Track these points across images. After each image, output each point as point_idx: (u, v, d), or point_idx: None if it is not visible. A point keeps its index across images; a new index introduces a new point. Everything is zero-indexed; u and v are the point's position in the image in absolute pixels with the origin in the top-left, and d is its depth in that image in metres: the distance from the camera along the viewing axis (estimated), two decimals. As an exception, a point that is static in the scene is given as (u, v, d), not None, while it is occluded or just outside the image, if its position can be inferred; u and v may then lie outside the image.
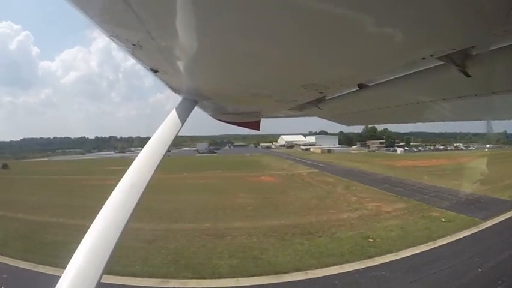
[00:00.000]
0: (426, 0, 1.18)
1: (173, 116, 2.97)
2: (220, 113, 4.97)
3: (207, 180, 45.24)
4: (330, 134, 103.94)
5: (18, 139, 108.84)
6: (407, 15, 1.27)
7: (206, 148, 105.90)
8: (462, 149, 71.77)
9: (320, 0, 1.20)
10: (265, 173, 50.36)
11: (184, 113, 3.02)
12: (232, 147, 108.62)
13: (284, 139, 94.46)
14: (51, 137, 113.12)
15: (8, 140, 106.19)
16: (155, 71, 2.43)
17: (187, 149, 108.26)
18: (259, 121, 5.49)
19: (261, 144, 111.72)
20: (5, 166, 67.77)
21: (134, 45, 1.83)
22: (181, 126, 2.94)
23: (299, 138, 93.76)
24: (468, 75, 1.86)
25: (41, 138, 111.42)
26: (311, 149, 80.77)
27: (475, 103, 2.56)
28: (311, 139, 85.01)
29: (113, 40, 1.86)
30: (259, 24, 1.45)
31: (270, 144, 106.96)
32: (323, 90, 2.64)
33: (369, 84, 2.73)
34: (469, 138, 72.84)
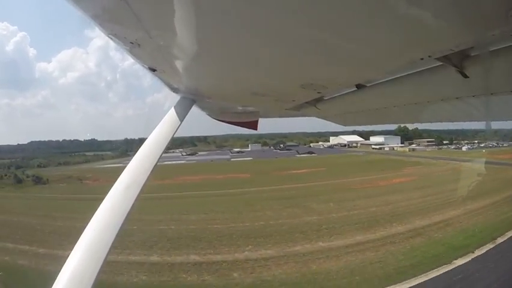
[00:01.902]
0: (425, 1, 1.18)
1: (171, 115, 2.95)
2: (218, 113, 4.97)
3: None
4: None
5: (26, 142, 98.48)
6: (406, 16, 1.27)
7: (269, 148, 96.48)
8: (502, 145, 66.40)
9: (319, 1, 1.19)
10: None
11: (182, 112, 2.99)
12: (287, 147, 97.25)
13: (345, 139, 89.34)
14: (60, 139, 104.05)
15: (15, 144, 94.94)
16: (153, 70, 2.42)
17: (238, 149, 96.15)
18: (257, 121, 5.50)
19: (311, 144, 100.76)
20: (38, 180, 52.77)
21: (132, 43, 1.82)
22: (179, 126, 2.91)
23: (358, 139, 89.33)
24: (466, 76, 1.87)
25: (49, 140, 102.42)
26: (396, 148, 76.89)
27: (472, 104, 2.56)
28: (378, 139, 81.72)
29: (111, 38, 1.86)
30: (258, 24, 1.44)
31: (321, 144, 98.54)
32: (321, 90, 2.64)
33: (367, 85, 2.72)
34: (481, 136, 67.84)
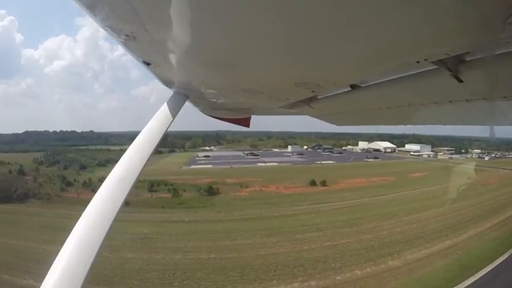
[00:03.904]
0: (423, 5, 1.18)
1: (164, 110, 2.93)
2: (211, 109, 4.94)
3: None
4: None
5: (21, 131, 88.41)
6: (402, 18, 1.28)
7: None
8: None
9: (315, 0, 1.19)
10: None
11: (175, 108, 2.98)
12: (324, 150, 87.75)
13: (381, 145, 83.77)
14: (58, 130, 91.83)
15: (11, 133, 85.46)
16: (147, 64, 2.40)
17: (277, 150, 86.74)
18: (250, 118, 5.50)
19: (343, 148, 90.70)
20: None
21: (127, 36, 1.81)
22: (172, 121, 2.90)
23: (391, 145, 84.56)
24: (460, 81, 1.89)
25: (45, 131, 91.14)
26: (430, 156, 73.61)
27: (466, 108, 2.59)
28: (414, 147, 78.36)
29: (106, 30, 1.83)
30: (253, 21, 1.44)
31: (352, 148, 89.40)
32: (315, 89, 2.64)
33: (362, 85, 2.73)
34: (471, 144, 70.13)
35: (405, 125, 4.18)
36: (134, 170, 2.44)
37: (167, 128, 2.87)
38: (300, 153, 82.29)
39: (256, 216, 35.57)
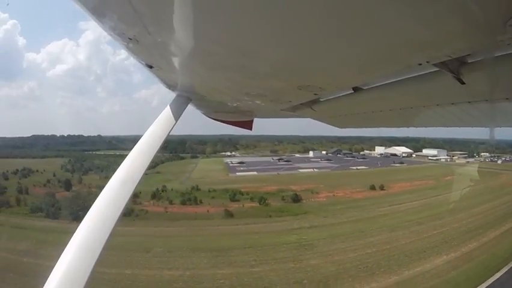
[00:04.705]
0: (425, 7, 1.19)
1: (166, 113, 2.95)
2: (213, 112, 4.98)
3: None
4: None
5: (27, 135, 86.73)
6: (404, 21, 1.29)
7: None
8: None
9: (318, 3, 1.20)
10: None
11: (177, 110, 2.99)
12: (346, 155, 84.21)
13: (399, 150, 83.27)
14: (65, 134, 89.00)
15: (17, 136, 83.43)
16: (150, 67, 2.42)
17: (299, 156, 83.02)
18: (252, 121, 5.47)
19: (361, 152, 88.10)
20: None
21: (130, 39, 1.83)
22: (175, 124, 2.92)
23: (408, 150, 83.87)
24: (463, 83, 1.87)
25: (53, 135, 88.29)
26: (447, 160, 73.64)
27: (468, 110, 2.59)
28: (431, 151, 78.06)
29: (109, 34, 1.86)
30: (257, 24, 1.45)
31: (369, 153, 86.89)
32: (318, 92, 2.63)
33: (364, 88, 2.70)
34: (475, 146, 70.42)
35: (408, 127, 4.19)
36: (136, 172, 2.44)
37: (170, 131, 2.88)
38: (328, 159, 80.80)
39: (357, 218, 38.70)
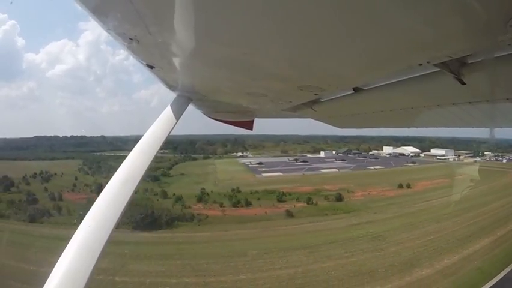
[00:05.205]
0: (425, 8, 1.19)
1: (167, 113, 2.95)
2: (214, 112, 4.98)
3: None
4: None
5: (29, 136, 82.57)
6: (405, 22, 1.30)
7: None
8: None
9: (319, 4, 1.20)
10: None
11: (178, 111, 2.99)
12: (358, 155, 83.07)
13: (408, 150, 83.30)
14: (68, 135, 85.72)
15: (19, 137, 79.32)
16: (151, 67, 2.42)
17: (310, 156, 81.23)
18: (253, 121, 5.49)
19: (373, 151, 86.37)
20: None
21: (131, 39, 1.83)
22: (176, 124, 2.91)
23: (414, 150, 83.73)
24: (463, 83, 1.86)
25: (55, 136, 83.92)
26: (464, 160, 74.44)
27: (469, 110, 2.59)
28: (439, 151, 78.53)
29: (110, 34, 1.87)
30: (257, 24, 1.45)
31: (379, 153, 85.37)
32: (318, 92, 2.64)
33: (365, 88, 2.70)
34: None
35: (409, 127, 4.17)
36: (137, 172, 2.43)
37: (171, 131, 2.87)
38: (342, 159, 79.36)
39: (401, 213, 41.64)
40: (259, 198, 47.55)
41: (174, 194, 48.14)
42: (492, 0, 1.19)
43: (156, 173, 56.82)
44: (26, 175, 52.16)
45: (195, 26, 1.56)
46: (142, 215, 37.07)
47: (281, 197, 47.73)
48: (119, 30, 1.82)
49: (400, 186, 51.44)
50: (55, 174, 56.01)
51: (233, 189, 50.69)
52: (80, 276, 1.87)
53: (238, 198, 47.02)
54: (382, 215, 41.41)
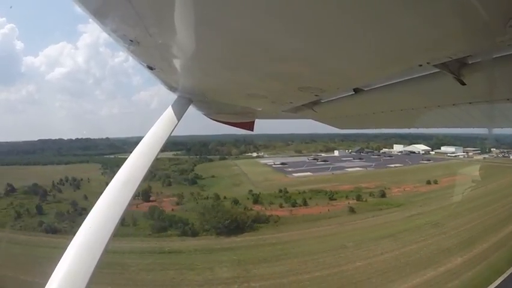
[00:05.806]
0: (426, 9, 1.19)
1: (168, 114, 2.95)
2: (214, 113, 4.99)
3: None
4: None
5: (35, 139, 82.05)
6: (405, 23, 1.30)
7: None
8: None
9: (319, 6, 1.21)
10: None
11: (179, 112, 2.99)
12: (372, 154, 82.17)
13: (419, 148, 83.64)
14: (73, 138, 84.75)
15: (22, 141, 79.08)
16: (151, 68, 2.42)
17: (324, 154, 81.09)
18: (253, 122, 5.47)
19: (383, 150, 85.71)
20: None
21: (131, 41, 1.83)
22: (176, 125, 2.91)
23: (425, 147, 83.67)
24: (463, 84, 1.87)
25: (60, 139, 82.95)
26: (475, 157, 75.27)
27: (469, 111, 2.59)
28: (449, 149, 79.99)
29: (111, 36, 1.87)
30: (257, 26, 1.46)
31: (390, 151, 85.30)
32: (319, 93, 2.65)
33: (365, 89, 2.71)
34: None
35: (409, 128, 4.20)
36: (138, 173, 2.42)
37: (172, 132, 2.87)
38: (359, 158, 78.81)
39: (442, 205, 43.67)
40: (310, 198, 48.09)
41: (225, 197, 47.72)
42: (492, 2, 1.19)
43: (189, 176, 58.07)
44: (53, 182, 51.13)
45: (195, 27, 1.56)
46: (227, 221, 37.38)
47: (332, 196, 48.71)
48: (119, 32, 1.83)
49: (428, 182, 53.38)
50: (81, 179, 54.80)
51: (280, 190, 50.83)
52: (81, 277, 1.86)
53: (294, 199, 47.28)
54: (427, 207, 43.97)
